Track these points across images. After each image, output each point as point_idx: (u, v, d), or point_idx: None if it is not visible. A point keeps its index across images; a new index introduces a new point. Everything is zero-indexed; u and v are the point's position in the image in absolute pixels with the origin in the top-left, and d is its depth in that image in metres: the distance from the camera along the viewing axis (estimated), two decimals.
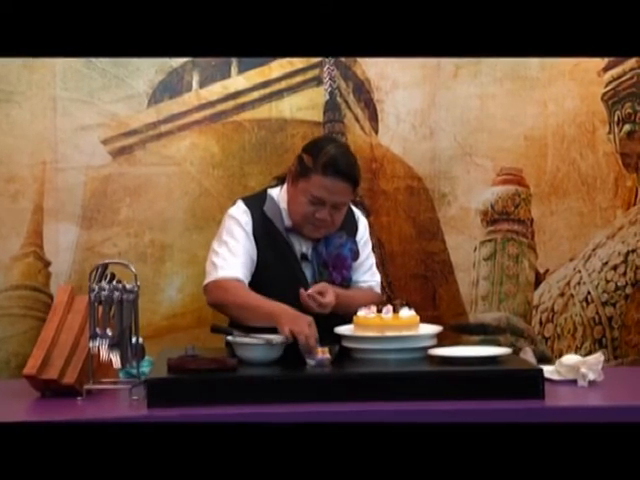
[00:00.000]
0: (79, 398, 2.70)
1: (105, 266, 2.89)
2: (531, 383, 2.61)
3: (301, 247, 3.22)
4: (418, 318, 3.00)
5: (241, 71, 4.01)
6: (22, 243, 3.93)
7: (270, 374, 2.72)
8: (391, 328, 2.92)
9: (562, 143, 4.18)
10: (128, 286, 2.73)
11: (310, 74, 4.06)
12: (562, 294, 4.21)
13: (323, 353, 2.80)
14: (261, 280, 3.17)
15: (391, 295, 4.10)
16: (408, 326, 2.94)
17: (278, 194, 3.23)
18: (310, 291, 3.06)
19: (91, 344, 2.71)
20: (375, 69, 4.08)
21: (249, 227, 3.17)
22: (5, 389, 2.95)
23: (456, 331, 4.14)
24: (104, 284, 2.73)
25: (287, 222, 3.20)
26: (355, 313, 3.01)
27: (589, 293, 4.21)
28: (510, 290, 4.18)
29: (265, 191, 3.27)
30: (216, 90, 4.01)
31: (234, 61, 4.00)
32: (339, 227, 3.23)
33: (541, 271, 4.21)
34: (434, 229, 4.13)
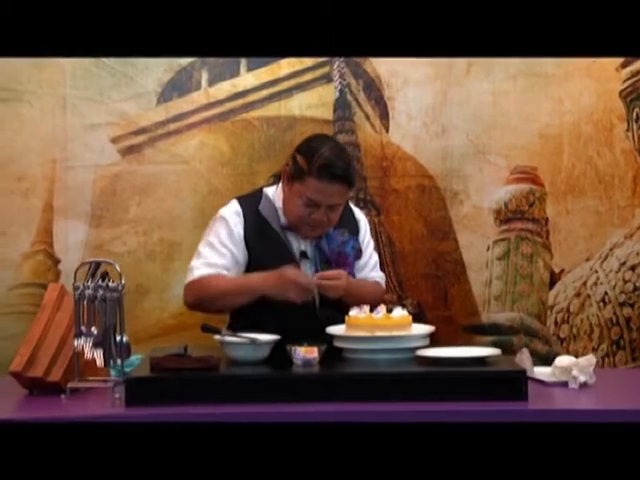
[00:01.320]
0: (63, 396, 2.70)
1: (97, 264, 2.89)
2: (514, 385, 2.55)
3: (299, 245, 3.18)
4: (410, 318, 2.96)
5: (250, 69, 4.01)
6: (32, 241, 3.97)
7: (250, 373, 2.70)
8: (381, 328, 2.88)
9: (578, 141, 4.11)
10: (111, 284, 2.72)
11: (320, 72, 4.04)
12: (578, 294, 4.14)
13: (311, 352, 2.78)
14: None
15: (402, 294, 4.07)
16: (399, 326, 2.89)
17: (274, 193, 3.20)
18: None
19: (76, 342, 2.72)
20: (386, 66, 4.05)
21: (239, 228, 3.13)
22: None
23: (469, 331, 4.09)
24: (88, 282, 2.73)
25: (283, 220, 3.16)
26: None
27: (606, 293, 4.13)
28: (524, 290, 4.12)
29: (261, 190, 3.24)
30: (225, 88, 4.01)
31: (243, 59, 4.00)
32: (340, 225, 3.21)
33: (556, 271, 4.14)
34: (446, 228, 4.08)
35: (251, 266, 3.15)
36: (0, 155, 3.94)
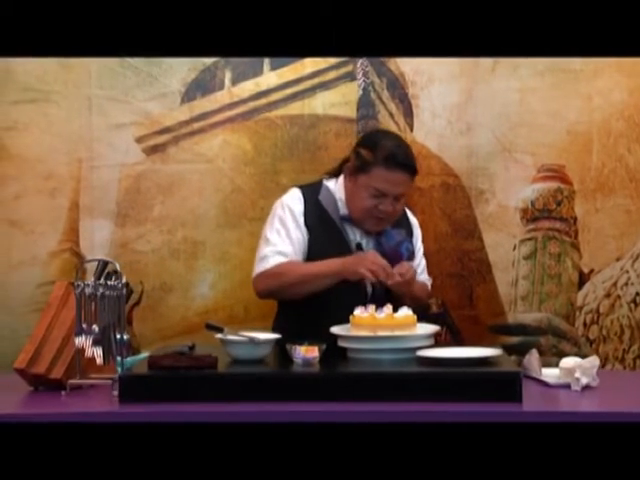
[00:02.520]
0: (63, 392, 2.74)
1: (105, 263, 2.93)
2: (508, 386, 2.52)
3: (355, 236, 3.25)
4: (415, 318, 2.94)
5: (273, 68, 3.99)
6: (59, 239, 4.01)
7: (245, 372, 2.71)
8: (384, 328, 2.87)
9: (608, 138, 4.02)
10: (110, 283, 2.75)
11: (343, 70, 4.01)
12: (608, 295, 4.05)
13: (311, 352, 2.77)
14: None
15: None
16: (401, 326, 2.89)
17: (334, 185, 3.28)
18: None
19: (76, 340, 2.75)
20: (410, 64, 4.00)
21: (301, 215, 3.21)
22: (6, 382, 2.97)
23: (494, 331, 4.04)
24: (88, 281, 2.77)
25: (343, 211, 3.23)
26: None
27: (637, 294, 4.04)
28: (552, 290, 4.05)
29: (321, 181, 3.32)
30: (248, 87, 4.00)
31: (266, 58, 3.99)
32: (396, 226, 3.26)
33: (585, 271, 4.06)
34: (471, 227, 4.03)
35: (310, 251, 3.20)
36: (28, 155, 3.99)
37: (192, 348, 2.98)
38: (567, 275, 4.05)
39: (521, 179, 4.03)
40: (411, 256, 3.27)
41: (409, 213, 3.45)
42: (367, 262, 3.02)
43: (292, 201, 3.24)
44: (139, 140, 4.00)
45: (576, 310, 4.06)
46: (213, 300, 4.00)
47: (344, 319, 2.98)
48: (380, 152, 3.14)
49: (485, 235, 4.04)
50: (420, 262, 3.42)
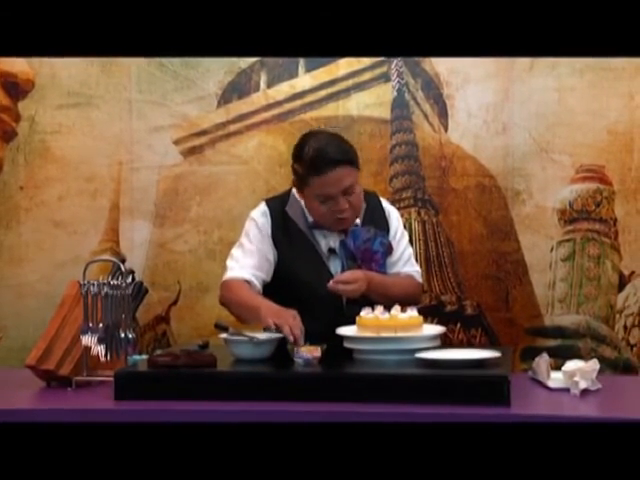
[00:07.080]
0: (69, 389, 2.82)
1: (118, 264, 3.00)
2: (496, 390, 2.49)
3: (328, 241, 3.21)
4: (421, 319, 2.93)
5: (308, 70, 4.04)
6: (100, 239, 4.13)
7: (239, 370, 2.74)
8: (387, 329, 2.87)
9: None
10: (114, 282, 2.82)
11: (378, 71, 4.02)
12: None
13: (314, 352, 2.79)
14: (287, 277, 3.18)
15: (461, 295, 4.01)
16: (405, 327, 2.87)
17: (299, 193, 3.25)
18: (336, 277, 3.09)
19: (82, 338, 2.83)
20: (445, 64, 3.99)
21: (266, 228, 3.21)
22: (23, 377, 3.06)
23: (531, 334, 3.99)
24: (94, 280, 2.84)
25: (310, 218, 3.21)
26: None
27: None
28: (591, 293, 3.98)
29: (289, 191, 3.29)
30: (283, 89, 4.06)
31: (301, 60, 4.03)
32: (369, 221, 3.22)
33: (626, 273, 3.98)
34: (507, 228, 3.99)
35: (280, 265, 3.20)
36: (71, 157, 4.12)
37: (204, 347, 3.03)
38: (607, 277, 3.98)
39: (559, 180, 3.98)
40: (389, 250, 3.20)
41: (385, 202, 3.34)
42: (272, 314, 2.90)
43: (257, 216, 3.24)
44: (177, 142, 4.10)
45: (616, 313, 3.98)
46: None
47: (321, 318, 2.98)
48: (307, 160, 3.07)
49: (521, 236, 3.99)
50: (403, 253, 3.29)
